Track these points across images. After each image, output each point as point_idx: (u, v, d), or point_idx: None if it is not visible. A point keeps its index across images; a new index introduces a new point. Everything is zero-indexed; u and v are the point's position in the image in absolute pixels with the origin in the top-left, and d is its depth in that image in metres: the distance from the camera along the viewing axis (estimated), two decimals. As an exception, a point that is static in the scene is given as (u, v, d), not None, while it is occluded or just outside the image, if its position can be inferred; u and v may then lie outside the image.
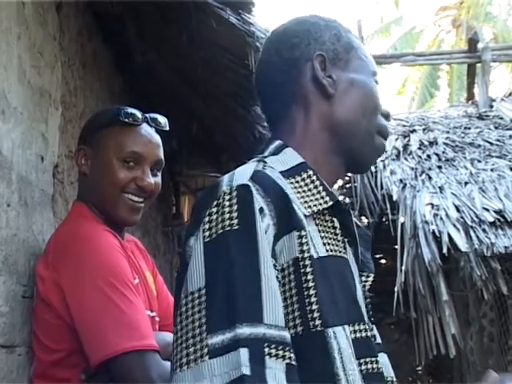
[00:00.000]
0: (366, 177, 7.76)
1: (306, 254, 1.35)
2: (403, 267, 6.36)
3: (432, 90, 19.49)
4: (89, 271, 2.06)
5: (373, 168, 7.69)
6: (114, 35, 4.01)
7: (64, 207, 2.92)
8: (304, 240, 1.36)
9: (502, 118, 8.72)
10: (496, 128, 8.41)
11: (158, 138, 2.35)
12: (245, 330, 1.23)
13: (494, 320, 7.07)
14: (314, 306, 1.33)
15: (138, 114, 2.31)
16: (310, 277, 1.34)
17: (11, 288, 2.22)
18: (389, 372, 1.52)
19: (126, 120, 2.28)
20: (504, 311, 6.97)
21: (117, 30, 3.98)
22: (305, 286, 1.34)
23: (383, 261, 8.72)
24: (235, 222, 1.30)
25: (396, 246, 6.82)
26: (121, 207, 2.27)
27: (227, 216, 1.31)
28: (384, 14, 22.15)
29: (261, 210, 1.32)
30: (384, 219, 8.19)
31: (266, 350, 1.24)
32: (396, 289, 6.39)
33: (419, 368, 9.76)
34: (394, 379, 1.53)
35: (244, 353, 1.22)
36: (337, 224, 1.49)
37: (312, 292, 1.33)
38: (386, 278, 6.81)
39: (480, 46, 9.37)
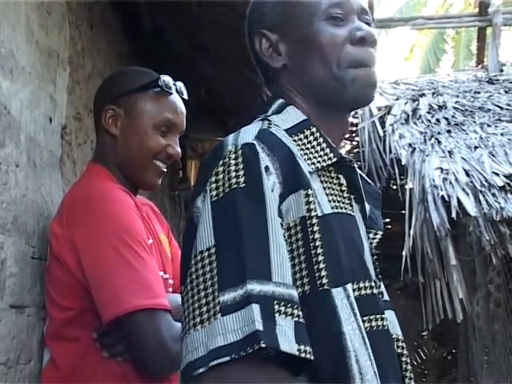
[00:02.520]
0: (374, 142, 7.72)
1: (313, 213, 1.35)
2: (411, 232, 6.35)
3: (438, 56, 19.30)
4: (103, 229, 2.07)
5: (381, 132, 7.66)
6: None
7: (71, 169, 2.91)
8: (311, 199, 1.36)
9: (512, 83, 8.67)
10: (506, 92, 8.33)
11: (184, 108, 2.37)
12: (255, 287, 1.24)
13: (500, 285, 7.07)
14: (322, 265, 1.33)
15: (172, 82, 2.31)
16: (317, 235, 1.34)
17: (21, 249, 2.22)
18: (395, 329, 1.52)
19: (165, 88, 2.28)
20: (511, 277, 6.97)
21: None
22: (312, 244, 1.34)
23: (390, 226, 8.70)
24: (242, 180, 1.31)
25: (404, 211, 6.81)
26: (150, 173, 2.29)
27: (233, 174, 1.31)
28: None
29: (266, 168, 1.33)
30: (392, 184, 8.17)
31: (276, 307, 1.24)
32: (404, 253, 6.38)
33: (424, 333, 9.80)
34: (401, 337, 1.53)
35: (256, 308, 1.22)
36: (343, 181, 1.48)
37: (319, 251, 1.34)
38: (393, 244, 6.80)
39: (490, 9, 9.28)
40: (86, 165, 2.45)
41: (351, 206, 1.48)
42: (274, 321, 1.23)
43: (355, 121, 8.02)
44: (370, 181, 1.63)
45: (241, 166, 1.32)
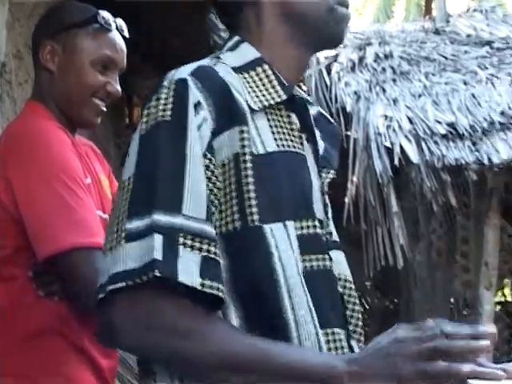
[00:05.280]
0: (320, 90, 7.74)
1: (246, 150, 1.35)
2: (354, 179, 6.41)
3: (388, 13, 19.24)
4: (38, 167, 2.04)
5: (328, 81, 7.68)
6: None
7: (11, 108, 2.87)
8: (245, 135, 1.36)
9: (458, 34, 8.71)
10: (452, 43, 8.41)
11: (125, 46, 2.32)
12: (161, 218, 1.25)
13: (442, 236, 7.20)
14: (253, 202, 1.33)
15: (112, 18, 2.26)
16: (249, 172, 1.34)
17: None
18: (343, 270, 1.50)
19: (104, 24, 2.23)
20: (452, 226, 7.10)
21: None
22: (244, 181, 1.34)
23: (336, 177, 8.77)
24: (168, 113, 1.32)
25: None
26: (88, 110, 2.24)
27: (161, 108, 1.33)
28: None
29: (198, 103, 1.33)
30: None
31: (181, 239, 1.26)
32: (346, 200, 6.44)
33: (368, 283, 9.95)
34: (348, 278, 1.51)
35: (158, 239, 1.24)
36: (293, 119, 1.47)
37: (251, 188, 1.34)
38: (337, 194, 6.85)
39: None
40: (25, 102, 2.40)
41: (302, 144, 1.47)
42: (177, 252, 1.24)
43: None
44: (331, 119, 1.61)
45: (170, 100, 1.33)
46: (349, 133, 6.95)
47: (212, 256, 1.27)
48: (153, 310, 1.26)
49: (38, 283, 2.09)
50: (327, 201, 1.53)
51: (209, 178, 1.32)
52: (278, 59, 1.49)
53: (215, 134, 1.34)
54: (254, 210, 1.33)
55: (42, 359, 2.08)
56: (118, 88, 2.28)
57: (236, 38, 1.51)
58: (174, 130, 1.32)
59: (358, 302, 1.53)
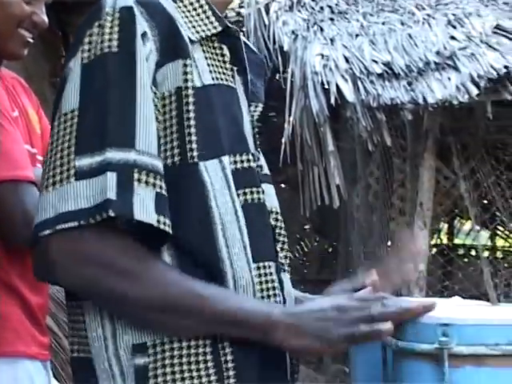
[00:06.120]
0: (259, 30, 7.69)
1: (189, 84, 1.33)
2: (291, 119, 6.40)
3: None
4: None
5: (266, 20, 7.65)
6: None
7: None
8: (189, 69, 1.33)
9: (397, -26, 8.70)
10: (391, -17, 8.41)
11: None
12: (115, 155, 1.22)
13: (379, 178, 7.28)
14: (193, 137, 1.32)
15: None
16: (191, 107, 1.32)
17: None
18: (273, 203, 1.51)
19: None
20: (389, 168, 7.18)
21: None
22: (185, 116, 1.32)
23: (276, 119, 8.75)
24: (115, 44, 1.28)
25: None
26: (14, 42, 2.18)
27: (107, 37, 1.28)
28: None
29: (144, 34, 1.29)
30: (277, 77, 8.20)
31: (136, 175, 1.23)
32: (283, 140, 6.45)
33: (307, 226, 10.04)
34: (278, 210, 1.52)
35: (111, 177, 1.21)
36: (226, 51, 1.44)
37: (192, 123, 1.32)
38: (277, 136, 6.85)
39: None
40: None
41: (233, 77, 1.46)
42: (132, 189, 1.22)
43: (242, 10, 7.98)
44: (254, 49, 1.59)
45: (116, 29, 1.29)
46: (286, 75, 6.93)
47: (164, 192, 1.26)
48: (95, 247, 1.24)
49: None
50: (257, 135, 1.53)
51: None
52: None
53: (158, 66, 1.31)
54: (194, 146, 1.31)
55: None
56: (45, 18, 2.21)
57: None
58: (123, 61, 1.28)
59: (286, 234, 1.53)
